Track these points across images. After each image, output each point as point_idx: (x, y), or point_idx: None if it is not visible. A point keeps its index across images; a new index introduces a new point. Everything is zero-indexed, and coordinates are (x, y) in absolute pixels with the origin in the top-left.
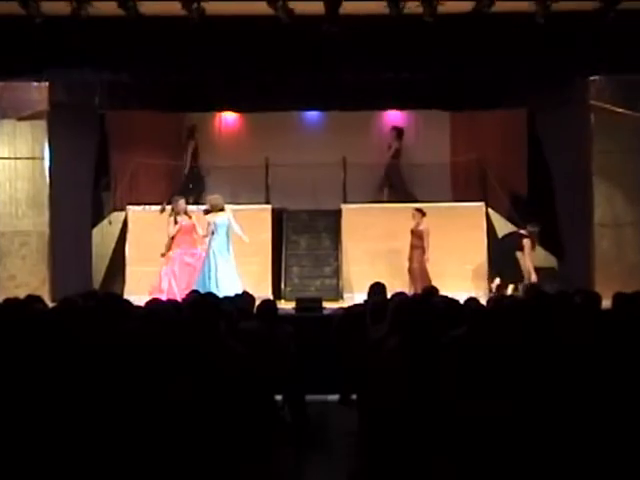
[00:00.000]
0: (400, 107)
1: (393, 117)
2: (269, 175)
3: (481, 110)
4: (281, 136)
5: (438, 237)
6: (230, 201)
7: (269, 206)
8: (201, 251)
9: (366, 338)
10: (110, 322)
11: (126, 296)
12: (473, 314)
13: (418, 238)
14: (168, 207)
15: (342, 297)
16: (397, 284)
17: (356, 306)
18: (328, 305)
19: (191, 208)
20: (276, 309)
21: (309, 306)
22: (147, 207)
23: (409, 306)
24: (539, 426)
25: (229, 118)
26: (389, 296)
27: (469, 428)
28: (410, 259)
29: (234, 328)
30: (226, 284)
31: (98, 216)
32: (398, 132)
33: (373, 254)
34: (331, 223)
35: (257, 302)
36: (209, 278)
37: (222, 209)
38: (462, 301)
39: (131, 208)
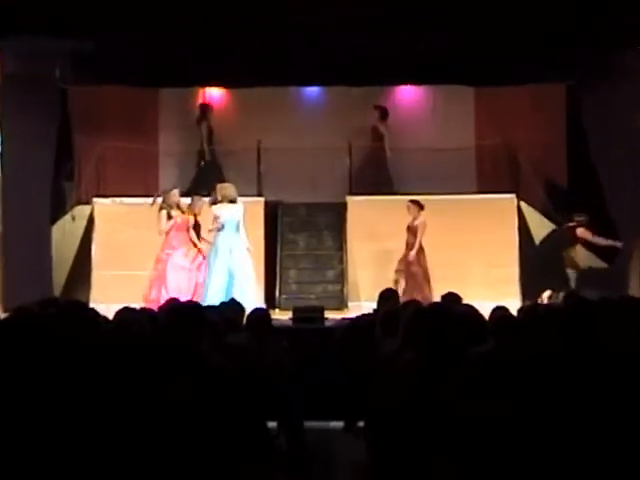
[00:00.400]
0: (416, 81)
1: (407, 94)
2: (261, 162)
3: (511, 85)
4: (275, 116)
5: (460, 235)
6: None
7: (261, 199)
8: (197, 253)
9: (376, 353)
10: (72, 335)
11: (92, 305)
12: (502, 326)
13: (413, 234)
14: (159, 200)
15: (347, 306)
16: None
17: (364, 316)
18: (331, 315)
19: (185, 201)
20: (269, 320)
21: (308, 316)
22: (117, 200)
23: (427, 315)
24: (584, 434)
25: (214, 95)
26: (402, 304)
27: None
28: (401, 260)
29: (220, 343)
30: (249, 292)
31: (59, 210)
32: (382, 112)
33: (384, 255)
34: (334, 219)
35: (247, 312)
36: (228, 284)
37: (234, 201)
38: (488, 311)
39: (98, 201)
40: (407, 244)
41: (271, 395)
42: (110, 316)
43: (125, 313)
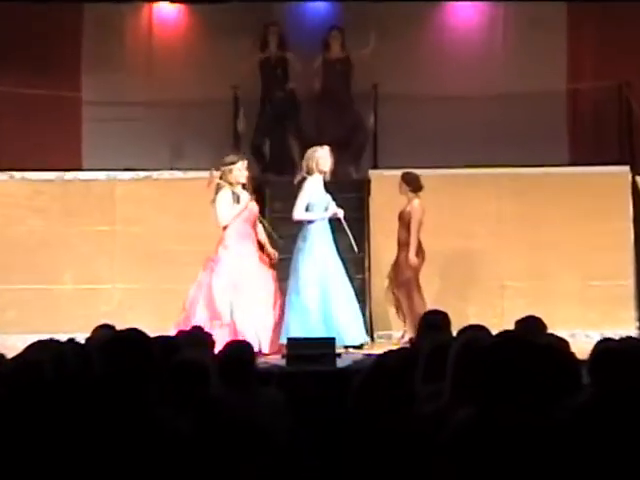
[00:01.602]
0: None
1: (458, 13)
2: (239, 118)
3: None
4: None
5: (544, 229)
6: (170, 166)
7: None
8: (267, 261)
9: (414, 410)
10: None
11: None
12: (605, 367)
13: (405, 226)
14: (215, 174)
15: (372, 338)
16: (472, 313)
17: (397, 353)
18: (347, 352)
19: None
20: (254, 360)
21: (312, 353)
22: (17, 174)
23: (493, 351)
24: None
25: (165, 13)
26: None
27: None
28: (396, 268)
29: (178, 393)
30: (351, 322)
31: None
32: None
33: (432, 260)
34: (352, 203)
35: (219, 346)
36: (324, 312)
37: (321, 171)
38: (586, 344)
39: None
40: (399, 241)
41: (257, 474)
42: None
43: (37, 350)
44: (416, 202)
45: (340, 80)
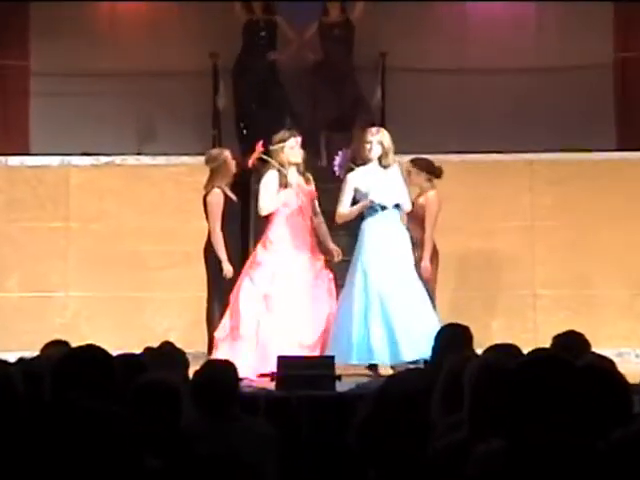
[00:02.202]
0: None
1: None
2: (219, 91)
3: None
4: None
5: (584, 227)
6: (132, 150)
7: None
8: (323, 264)
9: (430, 444)
10: None
11: None
12: None
13: (417, 223)
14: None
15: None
16: (497, 327)
17: (408, 375)
18: (349, 376)
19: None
20: (237, 384)
21: (306, 376)
22: None
23: (521, 372)
24: None
25: None
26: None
27: None
28: None
29: (142, 422)
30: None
31: None
32: None
33: (444, 263)
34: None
35: (194, 366)
36: (386, 325)
37: (386, 165)
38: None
39: None
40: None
41: None
42: None
43: None
44: (432, 194)
45: (339, 48)
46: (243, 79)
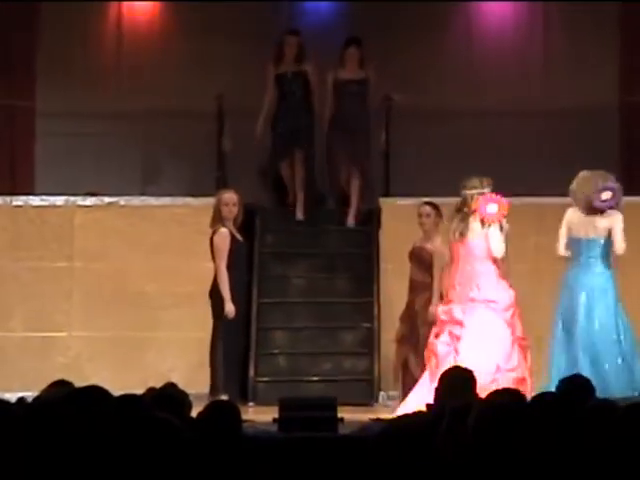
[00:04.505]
0: None
1: (489, 14)
2: (224, 133)
3: None
4: (250, 50)
5: None
6: (136, 191)
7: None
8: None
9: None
10: None
11: None
12: None
13: (423, 267)
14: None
15: (379, 399)
16: None
17: (412, 418)
18: (351, 415)
19: None
20: (239, 425)
21: (308, 417)
22: None
23: (533, 419)
24: None
25: (136, 11)
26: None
27: None
28: (407, 318)
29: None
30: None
31: None
32: None
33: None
34: (357, 237)
35: (196, 407)
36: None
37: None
38: None
39: None
40: (411, 285)
41: None
42: None
43: None
44: (439, 240)
45: (355, 103)
46: (277, 132)
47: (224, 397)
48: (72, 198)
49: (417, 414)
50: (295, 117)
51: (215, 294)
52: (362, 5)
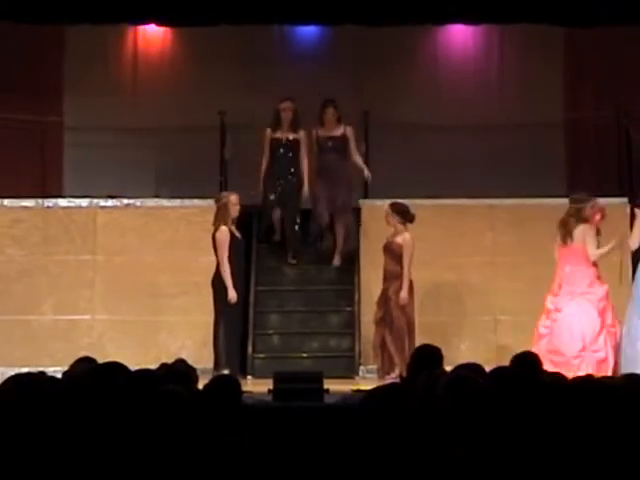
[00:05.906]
0: (471, 20)
1: (453, 39)
2: (226, 144)
3: (624, 25)
4: (250, 71)
5: (539, 261)
6: (150, 193)
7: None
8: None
9: (414, 455)
10: None
11: None
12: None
13: (395, 258)
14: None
15: (359, 372)
16: (465, 348)
17: (389, 388)
18: (335, 387)
19: None
20: (239, 396)
21: (298, 389)
22: None
23: (494, 388)
24: None
25: (150, 36)
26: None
27: None
28: (382, 303)
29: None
30: None
31: None
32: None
33: (427, 293)
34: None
35: (202, 380)
36: None
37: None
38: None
39: None
40: (385, 274)
41: None
42: None
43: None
44: (407, 235)
45: (336, 156)
46: (267, 194)
47: (226, 371)
48: (95, 200)
49: (392, 385)
50: (284, 179)
51: (217, 283)
52: (342, 30)
